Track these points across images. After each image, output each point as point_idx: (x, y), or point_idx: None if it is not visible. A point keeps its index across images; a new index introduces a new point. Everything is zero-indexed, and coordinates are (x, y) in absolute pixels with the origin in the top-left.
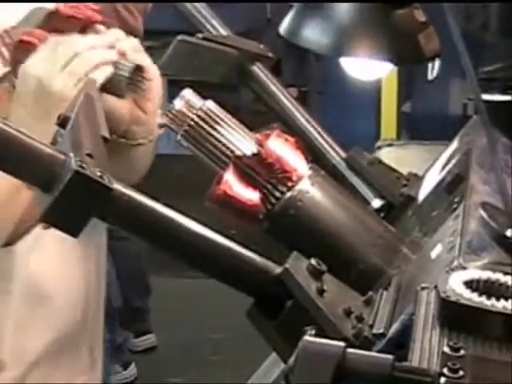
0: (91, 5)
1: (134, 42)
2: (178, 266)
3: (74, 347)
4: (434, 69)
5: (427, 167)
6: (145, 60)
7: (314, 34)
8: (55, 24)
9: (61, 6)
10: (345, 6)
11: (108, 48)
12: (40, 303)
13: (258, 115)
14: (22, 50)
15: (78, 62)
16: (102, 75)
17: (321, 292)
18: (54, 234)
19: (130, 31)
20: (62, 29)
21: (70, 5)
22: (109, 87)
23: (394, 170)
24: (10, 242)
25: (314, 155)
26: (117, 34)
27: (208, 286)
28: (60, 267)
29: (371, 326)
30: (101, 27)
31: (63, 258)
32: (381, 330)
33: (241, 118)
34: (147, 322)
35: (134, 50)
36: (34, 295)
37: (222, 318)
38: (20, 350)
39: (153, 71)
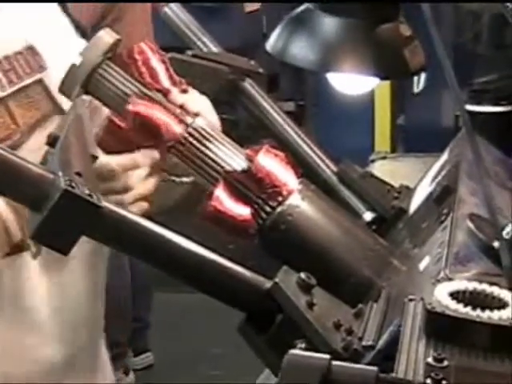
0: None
1: (203, 106)
2: (177, 281)
3: (70, 372)
4: (419, 83)
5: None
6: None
7: (300, 50)
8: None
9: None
10: (330, 21)
11: None
12: (29, 330)
13: (256, 130)
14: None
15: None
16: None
17: (310, 305)
18: (44, 258)
19: None
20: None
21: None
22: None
23: (385, 183)
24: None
25: (306, 169)
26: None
27: (207, 300)
28: (49, 292)
29: (361, 339)
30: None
31: (53, 282)
32: (370, 343)
33: (238, 133)
34: (145, 340)
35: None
36: (21, 320)
37: (222, 333)
38: (7, 377)
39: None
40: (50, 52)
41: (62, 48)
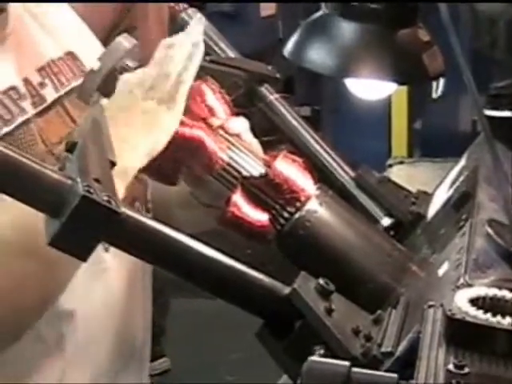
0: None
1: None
2: (193, 286)
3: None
4: (438, 88)
5: (437, 184)
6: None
7: (318, 56)
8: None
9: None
10: (348, 26)
11: None
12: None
13: (273, 135)
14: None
15: None
16: None
17: (329, 312)
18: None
19: None
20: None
21: None
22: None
23: (402, 188)
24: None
25: (323, 175)
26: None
27: (224, 306)
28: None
29: (380, 345)
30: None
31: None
32: (389, 349)
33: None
34: (161, 346)
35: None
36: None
37: (239, 338)
38: None
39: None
40: (90, 60)
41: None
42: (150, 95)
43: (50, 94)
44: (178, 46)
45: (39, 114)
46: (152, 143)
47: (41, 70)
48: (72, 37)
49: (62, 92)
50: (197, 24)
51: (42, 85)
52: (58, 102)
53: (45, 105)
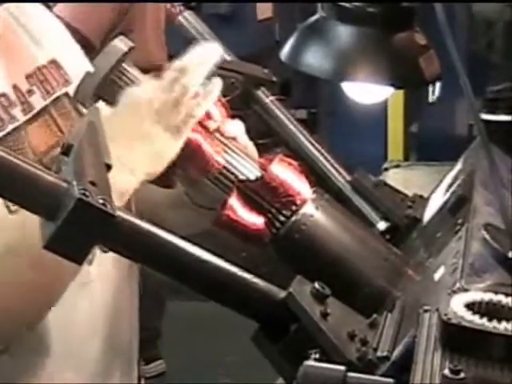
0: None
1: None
2: (188, 289)
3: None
4: (434, 92)
5: (433, 188)
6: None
7: (315, 59)
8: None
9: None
10: (345, 30)
11: None
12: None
13: (269, 138)
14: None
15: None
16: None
17: (325, 316)
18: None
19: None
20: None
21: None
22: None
23: (399, 192)
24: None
25: (319, 178)
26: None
27: (219, 309)
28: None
29: (375, 349)
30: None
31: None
32: (384, 353)
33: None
34: (157, 349)
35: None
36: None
37: (234, 341)
38: None
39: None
40: (73, 68)
41: (85, 64)
42: (156, 119)
43: (38, 102)
44: (192, 73)
45: (28, 122)
46: (149, 168)
47: (29, 76)
48: (55, 44)
49: (48, 101)
50: (213, 52)
51: (30, 92)
52: (45, 110)
53: (34, 112)
